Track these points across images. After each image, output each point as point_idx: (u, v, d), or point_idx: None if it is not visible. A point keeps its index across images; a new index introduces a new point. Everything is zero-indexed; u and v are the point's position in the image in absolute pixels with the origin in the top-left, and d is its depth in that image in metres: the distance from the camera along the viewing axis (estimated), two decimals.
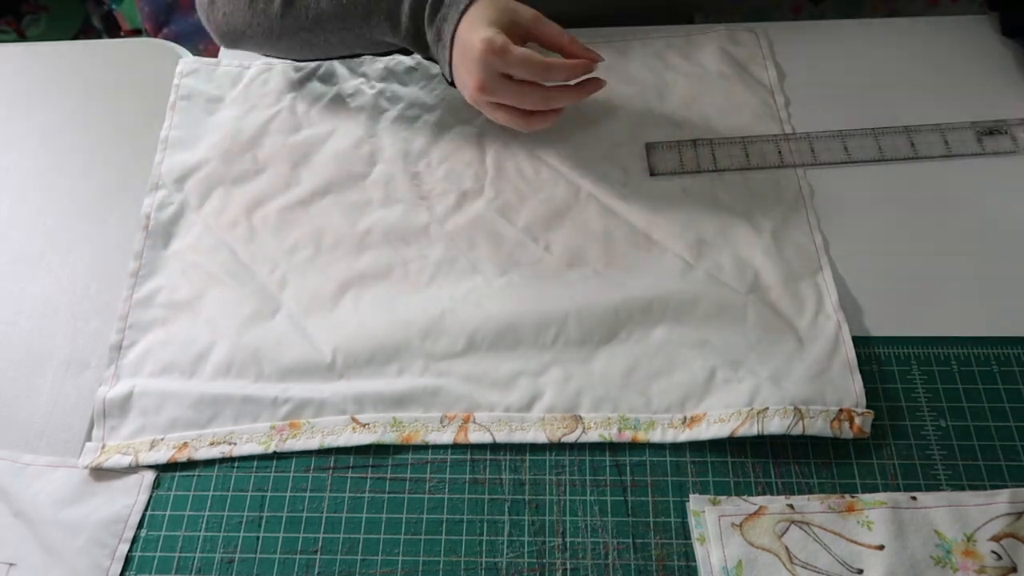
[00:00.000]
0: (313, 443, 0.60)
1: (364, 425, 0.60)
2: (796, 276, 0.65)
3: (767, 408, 0.57)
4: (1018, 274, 0.65)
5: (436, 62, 0.70)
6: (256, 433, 0.61)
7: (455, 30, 0.64)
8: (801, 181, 0.71)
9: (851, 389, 0.59)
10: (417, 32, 0.68)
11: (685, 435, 0.58)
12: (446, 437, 0.60)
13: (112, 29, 1.64)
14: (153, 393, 0.63)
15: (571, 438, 0.59)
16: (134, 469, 0.60)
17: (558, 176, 0.72)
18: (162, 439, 0.61)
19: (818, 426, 0.57)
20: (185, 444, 0.61)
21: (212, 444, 0.61)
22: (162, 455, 0.60)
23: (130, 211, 0.74)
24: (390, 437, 0.60)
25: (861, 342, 0.62)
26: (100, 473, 0.60)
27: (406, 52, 0.74)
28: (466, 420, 0.60)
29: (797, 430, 0.56)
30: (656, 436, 0.59)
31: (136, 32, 1.52)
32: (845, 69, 0.78)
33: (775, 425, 0.56)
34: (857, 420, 0.57)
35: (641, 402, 0.60)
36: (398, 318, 0.65)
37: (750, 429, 0.57)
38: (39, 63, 0.87)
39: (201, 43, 1.27)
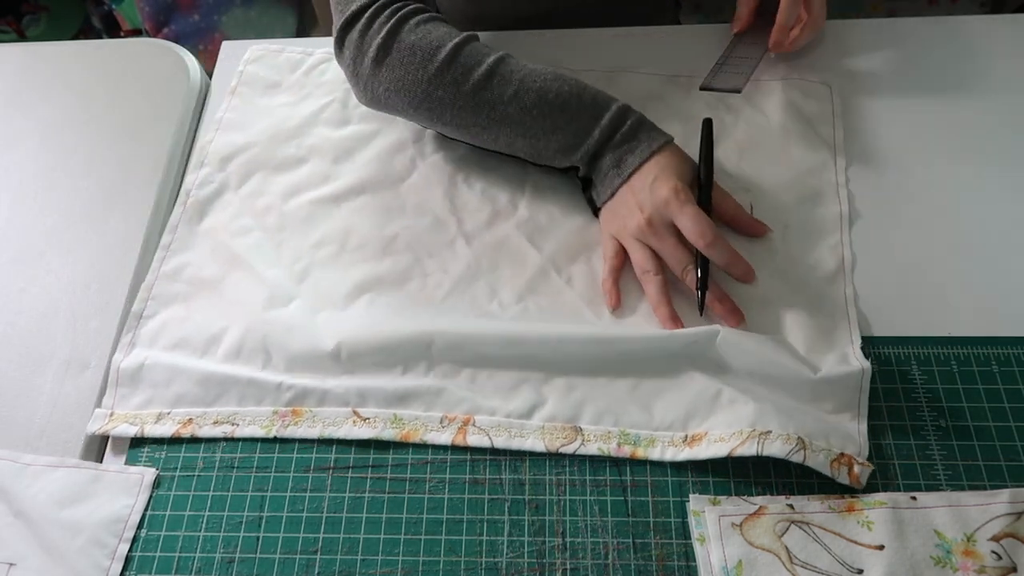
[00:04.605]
0: (314, 432, 0.60)
1: (365, 419, 0.61)
2: (824, 344, 0.61)
3: (770, 431, 0.56)
4: (1018, 274, 0.65)
5: (586, 184, 0.70)
6: (259, 416, 0.61)
7: (639, 167, 0.66)
8: (845, 251, 0.67)
9: (856, 439, 0.57)
10: (596, 154, 0.67)
11: (685, 454, 0.57)
12: (444, 438, 0.60)
13: (112, 29, 1.64)
14: (164, 366, 0.64)
15: (569, 449, 0.58)
16: (134, 470, 0.60)
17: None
18: (168, 413, 0.62)
19: (819, 460, 0.55)
20: (190, 420, 0.61)
21: (216, 423, 0.61)
22: (167, 429, 0.61)
23: (130, 211, 0.74)
24: (389, 433, 0.60)
25: (861, 342, 0.62)
26: (100, 473, 0.60)
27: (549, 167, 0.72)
28: (466, 423, 0.60)
29: (797, 458, 0.54)
30: (655, 454, 0.58)
31: (136, 32, 1.52)
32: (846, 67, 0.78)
33: (776, 448, 0.55)
34: (856, 468, 0.55)
35: (643, 418, 0.59)
36: (408, 322, 0.64)
37: (749, 449, 0.55)
38: (39, 63, 0.87)
39: (201, 43, 1.27)
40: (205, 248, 0.71)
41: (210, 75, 0.85)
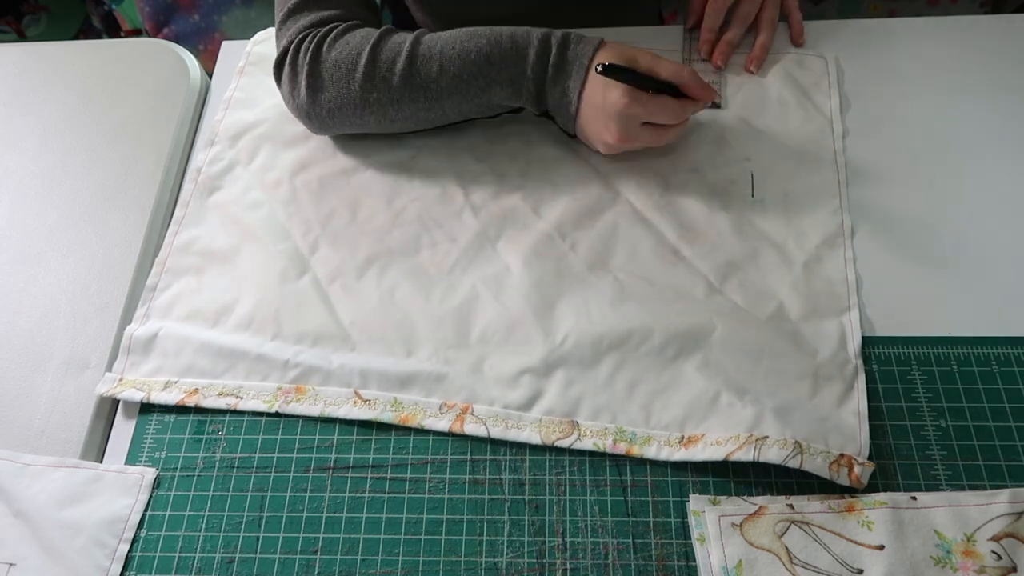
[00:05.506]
0: (315, 410, 0.61)
1: (366, 401, 0.61)
2: (821, 313, 0.63)
3: (767, 437, 0.56)
4: (1018, 274, 0.65)
5: (551, 117, 0.72)
6: (263, 392, 0.62)
7: (582, 89, 0.67)
8: (844, 216, 0.68)
9: (857, 438, 0.57)
10: (539, 93, 0.69)
11: (680, 454, 0.57)
12: (442, 424, 0.60)
13: (112, 29, 1.64)
14: (176, 337, 0.65)
15: (565, 443, 0.59)
16: (134, 470, 0.60)
17: (597, 176, 0.72)
18: (176, 382, 0.63)
19: (816, 464, 0.55)
20: (196, 390, 0.63)
21: (220, 395, 0.62)
22: (173, 396, 0.62)
23: (130, 210, 0.74)
24: (388, 416, 0.60)
25: (861, 342, 0.62)
26: (100, 473, 0.60)
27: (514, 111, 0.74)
28: (464, 411, 0.60)
29: (794, 463, 0.55)
30: (651, 452, 0.58)
31: (136, 32, 1.52)
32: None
33: (773, 454, 0.55)
34: (856, 469, 0.55)
35: (641, 417, 0.59)
36: (417, 300, 0.66)
37: (746, 454, 0.55)
38: (39, 63, 0.87)
39: (201, 43, 1.27)
40: (216, 221, 0.72)
41: (210, 75, 0.85)
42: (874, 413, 0.59)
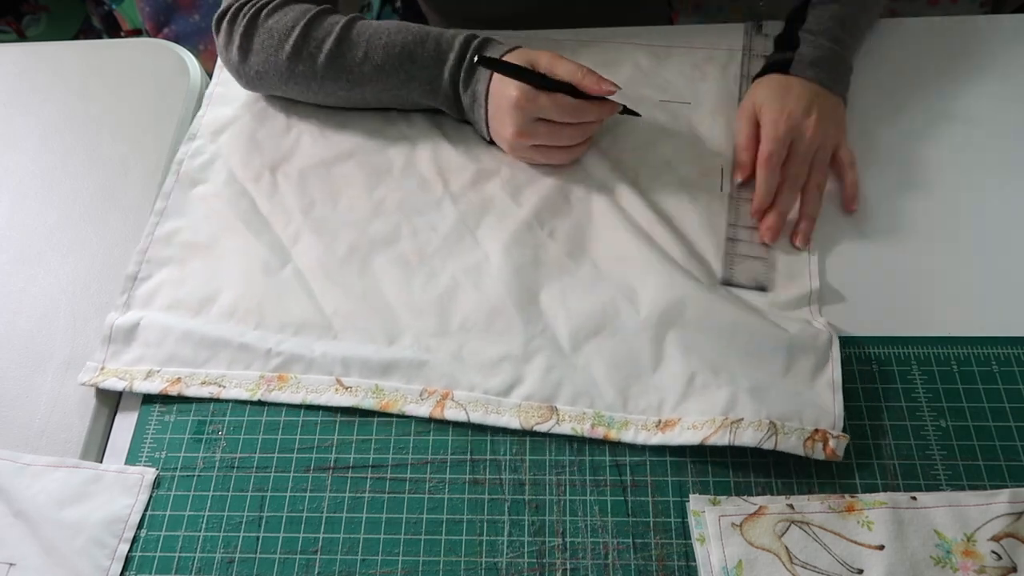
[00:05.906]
0: (297, 398, 0.62)
1: (347, 388, 0.62)
2: (791, 289, 0.65)
3: (741, 419, 0.56)
4: (1018, 274, 0.65)
5: (470, 123, 0.74)
6: (245, 380, 0.63)
7: (487, 88, 0.69)
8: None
9: (831, 410, 0.57)
10: (455, 96, 0.71)
11: (657, 438, 0.58)
12: (423, 410, 0.60)
13: (112, 29, 1.64)
14: (158, 327, 0.65)
15: (544, 428, 0.59)
16: (134, 470, 0.60)
17: (575, 166, 0.72)
18: (158, 371, 0.63)
19: (791, 443, 0.55)
20: (178, 379, 0.63)
21: (203, 384, 0.63)
22: (155, 386, 0.62)
23: (130, 210, 0.74)
24: (369, 403, 0.61)
25: (861, 342, 0.62)
26: (100, 473, 0.60)
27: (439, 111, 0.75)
28: (444, 396, 0.61)
29: (769, 444, 0.55)
30: (628, 436, 0.58)
31: (136, 32, 1.52)
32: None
33: (748, 437, 0.55)
34: (831, 443, 0.55)
35: (619, 401, 0.60)
36: (398, 289, 0.66)
37: (722, 438, 0.55)
38: (39, 63, 0.87)
39: (201, 43, 1.27)
40: (198, 214, 0.73)
41: (210, 75, 0.85)
42: (874, 413, 0.59)
